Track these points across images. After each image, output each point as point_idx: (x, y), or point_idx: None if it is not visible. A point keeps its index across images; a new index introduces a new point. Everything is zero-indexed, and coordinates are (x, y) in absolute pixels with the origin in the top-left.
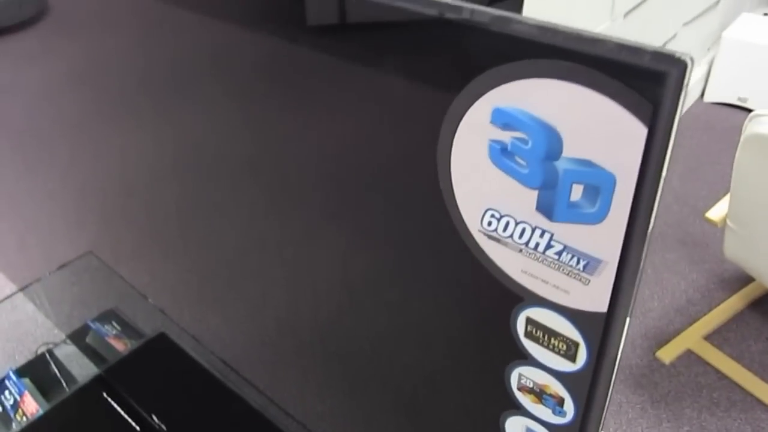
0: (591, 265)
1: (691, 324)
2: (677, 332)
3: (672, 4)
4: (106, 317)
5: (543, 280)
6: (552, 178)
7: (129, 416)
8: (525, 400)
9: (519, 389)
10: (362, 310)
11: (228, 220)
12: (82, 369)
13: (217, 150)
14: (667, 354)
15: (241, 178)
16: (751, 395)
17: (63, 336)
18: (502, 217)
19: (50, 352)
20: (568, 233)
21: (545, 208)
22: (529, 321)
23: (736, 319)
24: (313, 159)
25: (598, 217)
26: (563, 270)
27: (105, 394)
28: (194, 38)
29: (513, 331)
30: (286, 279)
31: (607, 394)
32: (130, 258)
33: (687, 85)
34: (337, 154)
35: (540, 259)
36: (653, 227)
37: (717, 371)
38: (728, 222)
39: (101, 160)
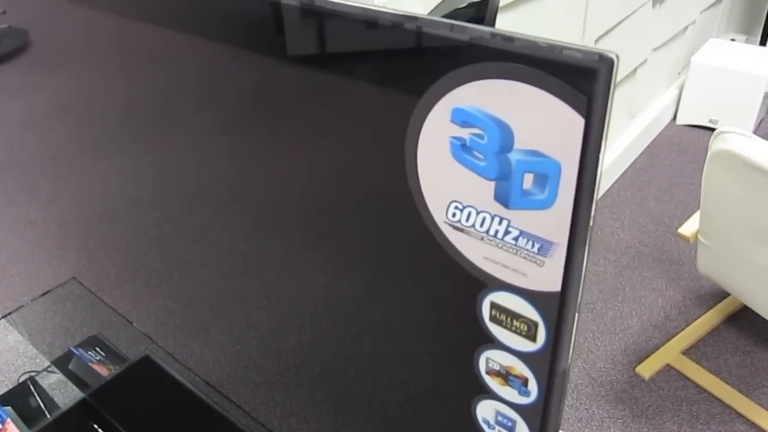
0: (544, 247)
1: (669, 339)
2: (656, 348)
3: (642, 30)
4: (89, 343)
5: (503, 265)
6: (506, 169)
7: None
8: (493, 384)
9: (487, 373)
10: (338, 307)
11: (209, 246)
12: (65, 397)
13: (197, 177)
14: (647, 369)
15: (221, 203)
16: (730, 408)
17: (45, 365)
18: (464, 208)
19: (32, 380)
20: (523, 219)
21: (502, 197)
22: (493, 305)
23: (713, 334)
24: (290, 176)
25: (548, 203)
26: (520, 254)
27: (89, 419)
28: (174, 69)
29: (479, 317)
30: (267, 298)
31: (566, 373)
32: (114, 284)
33: (615, 78)
34: (313, 166)
35: (500, 245)
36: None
37: (696, 385)
38: (700, 237)
39: (83, 189)
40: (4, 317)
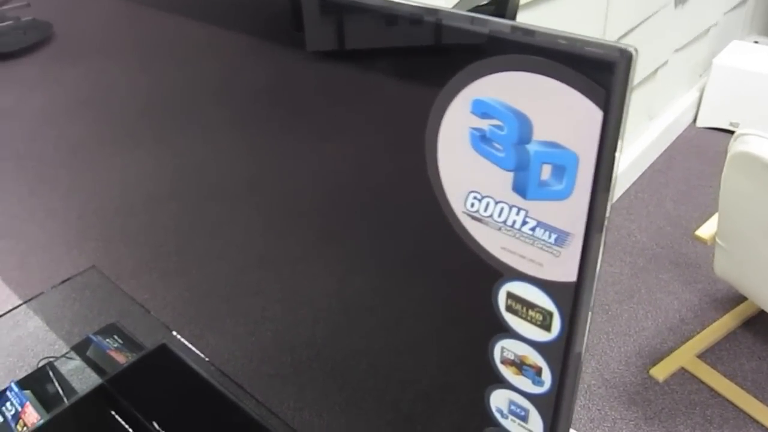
0: (560, 238)
1: (684, 342)
2: (671, 350)
3: (663, 31)
4: (107, 331)
5: (520, 255)
6: (524, 160)
7: (129, 426)
8: (507, 373)
9: (502, 362)
10: (354, 298)
11: (226, 238)
12: (83, 383)
13: (215, 170)
14: (661, 372)
15: (239, 196)
16: (744, 413)
17: (64, 351)
18: (483, 198)
19: (51, 365)
20: (540, 210)
21: (520, 188)
22: (509, 295)
23: (728, 338)
24: (309, 168)
25: (565, 194)
26: (537, 244)
27: (106, 405)
28: (195, 64)
29: (495, 306)
30: (283, 292)
31: (579, 363)
32: (132, 273)
33: (633, 72)
34: (333, 157)
35: (517, 235)
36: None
37: (710, 389)
38: (717, 240)
39: (103, 181)
40: (24, 303)
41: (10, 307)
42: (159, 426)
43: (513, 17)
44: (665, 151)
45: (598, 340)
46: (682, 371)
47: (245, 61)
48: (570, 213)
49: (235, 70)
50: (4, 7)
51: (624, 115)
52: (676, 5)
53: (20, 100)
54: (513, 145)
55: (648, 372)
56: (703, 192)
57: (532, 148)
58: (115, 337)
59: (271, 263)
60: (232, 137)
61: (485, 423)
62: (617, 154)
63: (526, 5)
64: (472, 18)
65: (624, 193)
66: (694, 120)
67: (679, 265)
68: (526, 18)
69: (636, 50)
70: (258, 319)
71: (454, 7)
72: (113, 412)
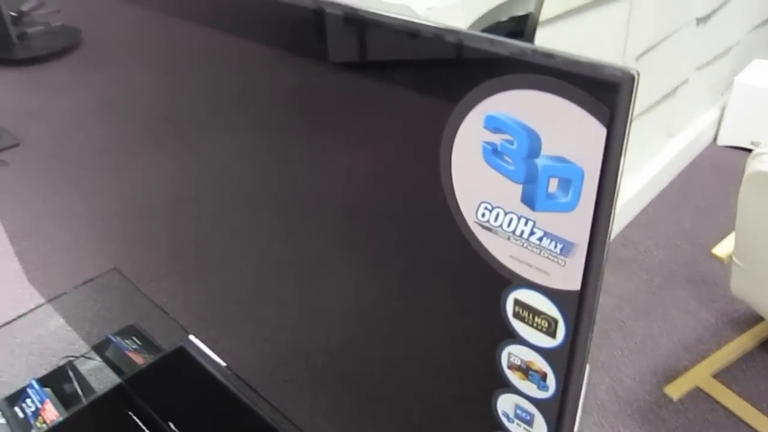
0: (566, 248)
1: (700, 361)
2: (686, 369)
3: (684, 49)
4: (126, 332)
5: (527, 264)
6: (533, 173)
7: (145, 426)
8: (514, 378)
9: (509, 367)
10: (368, 304)
11: (245, 244)
12: (101, 383)
13: (235, 177)
14: (676, 390)
15: (258, 203)
16: None
17: (83, 351)
18: (493, 208)
19: (71, 364)
20: (547, 221)
21: (528, 200)
22: (517, 302)
23: (745, 358)
24: (328, 177)
25: (571, 206)
26: (544, 254)
27: (123, 404)
28: (218, 72)
29: (503, 313)
30: (300, 299)
31: (583, 369)
32: (152, 276)
33: (636, 93)
34: (351, 168)
35: (525, 245)
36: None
37: (725, 409)
38: (734, 259)
39: (127, 184)
40: (48, 302)
41: (33, 306)
42: (175, 426)
43: (532, 34)
44: (685, 169)
45: (613, 357)
46: (697, 390)
47: (267, 71)
48: (575, 224)
49: (257, 79)
50: (36, 13)
51: (627, 132)
52: (698, 23)
53: (48, 102)
54: (522, 159)
55: (662, 390)
56: (723, 211)
57: (540, 161)
58: (134, 338)
59: (288, 270)
60: (252, 145)
61: (493, 426)
62: (621, 170)
63: (546, 22)
64: (489, 39)
65: (642, 211)
66: (715, 138)
67: (697, 283)
68: (546, 35)
69: (638, 72)
70: (274, 325)
71: (476, 22)
72: (130, 412)
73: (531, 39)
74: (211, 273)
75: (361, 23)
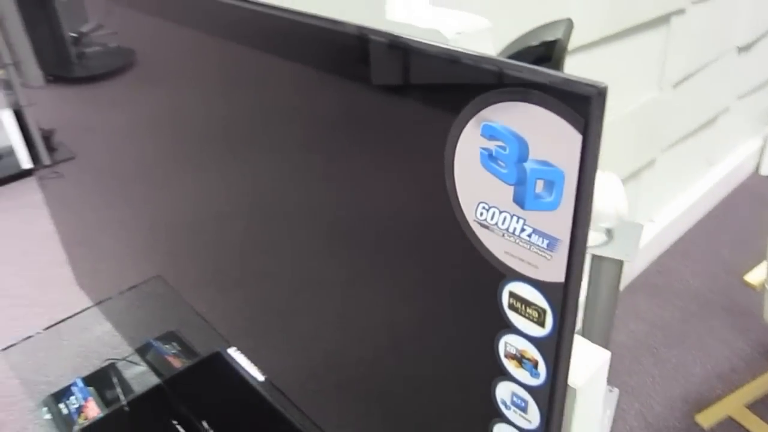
0: (551, 243)
1: (733, 391)
2: (718, 398)
3: (725, 77)
4: (167, 338)
5: (520, 259)
6: (523, 175)
7: (180, 425)
8: (510, 366)
9: (505, 356)
10: (385, 299)
11: (286, 259)
12: (141, 386)
13: (278, 194)
14: (707, 419)
15: (299, 221)
16: None
17: (125, 354)
18: (490, 208)
19: (113, 366)
20: (535, 219)
21: (519, 200)
22: (511, 294)
23: None
24: (356, 185)
25: (555, 205)
26: (533, 249)
27: (161, 405)
28: (264, 93)
29: (499, 305)
30: (333, 313)
31: (569, 357)
32: (194, 285)
33: (605, 104)
34: (372, 176)
35: (517, 241)
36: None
37: None
38: (767, 286)
39: (173, 197)
40: (95, 305)
41: (81, 309)
42: (208, 425)
43: (559, 59)
44: (725, 198)
45: (644, 383)
46: (729, 420)
47: (305, 91)
48: (559, 221)
49: (293, 98)
50: (94, 34)
51: (599, 139)
52: (739, 52)
53: (102, 119)
54: (514, 163)
55: (693, 418)
56: (762, 241)
57: (528, 165)
58: (174, 343)
59: (324, 286)
60: (295, 166)
61: (492, 414)
62: (597, 173)
63: (582, 48)
64: (486, 59)
65: (680, 238)
66: (757, 168)
67: (732, 312)
68: (580, 60)
69: (606, 87)
70: (309, 338)
71: (507, 46)
72: (167, 413)
73: (558, 63)
74: (252, 285)
75: (380, 46)
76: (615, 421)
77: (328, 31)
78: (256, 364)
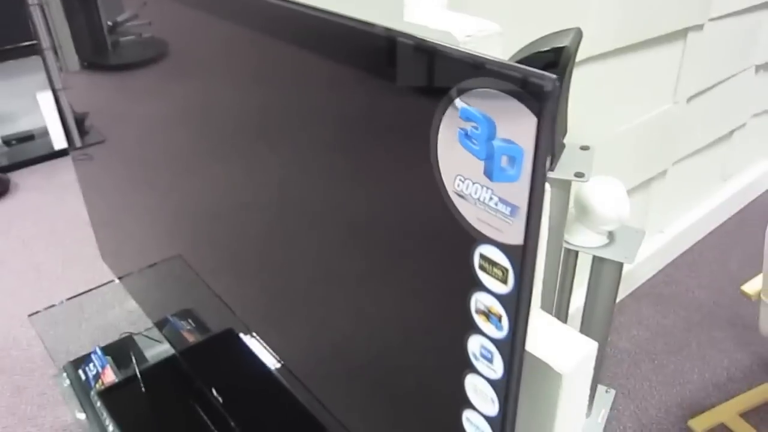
0: (513, 210)
1: (728, 400)
2: (713, 406)
3: (741, 94)
4: (183, 315)
5: (488, 224)
6: (491, 151)
7: (191, 394)
8: (480, 321)
9: (476, 312)
10: (375, 259)
11: (300, 250)
12: (155, 359)
13: (296, 187)
14: (700, 424)
15: (315, 215)
16: None
17: (143, 328)
18: (465, 180)
19: (131, 338)
20: (501, 189)
21: (488, 172)
22: (481, 256)
23: None
24: (358, 168)
25: (516, 177)
26: (498, 215)
27: (173, 374)
28: (290, 91)
29: (472, 266)
30: (343, 304)
31: (528, 312)
32: (212, 267)
33: (558, 92)
34: (372, 155)
35: (486, 209)
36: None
37: None
38: (763, 297)
39: (197, 184)
40: (120, 279)
41: (103, 283)
42: (217, 393)
43: (566, 65)
44: (737, 213)
45: (641, 386)
46: (722, 427)
47: (314, 81)
48: (519, 192)
49: (313, 91)
50: (129, 24)
51: (553, 122)
52: (756, 71)
53: (132, 105)
54: (484, 141)
55: (686, 423)
56: None
57: (496, 143)
58: (189, 320)
59: (335, 277)
60: (313, 161)
61: (464, 366)
62: (548, 149)
63: (596, 57)
64: (465, 53)
65: (688, 250)
66: None
67: (735, 325)
68: (594, 70)
69: (558, 78)
70: (318, 326)
71: (519, 51)
72: (180, 383)
73: (564, 69)
74: (267, 272)
75: (380, 40)
76: (609, 420)
77: (341, 26)
78: (265, 342)
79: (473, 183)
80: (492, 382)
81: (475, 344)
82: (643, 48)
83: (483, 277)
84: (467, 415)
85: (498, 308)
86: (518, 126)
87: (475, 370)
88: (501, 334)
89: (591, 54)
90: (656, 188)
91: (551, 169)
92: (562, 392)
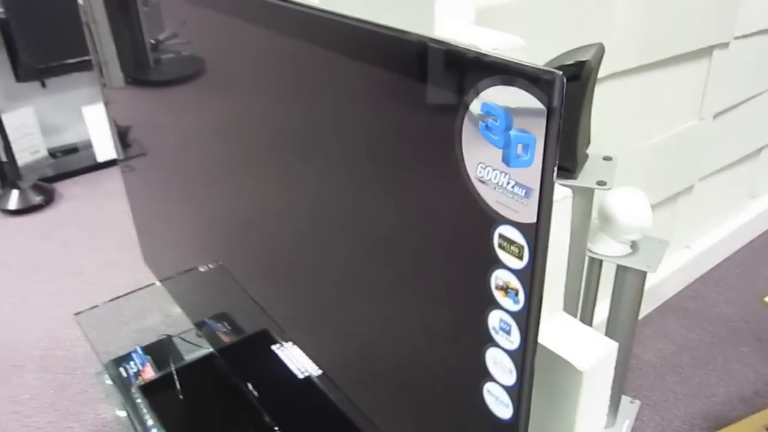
0: (527, 192)
1: (754, 413)
2: (739, 419)
3: None
4: (220, 317)
5: (506, 206)
6: (508, 141)
7: (227, 391)
8: (499, 296)
9: (495, 288)
10: (404, 241)
11: (333, 260)
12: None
13: (329, 198)
14: None
15: (348, 225)
16: None
17: (181, 330)
18: (486, 167)
19: (169, 339)
20: (516, 174)
21: (506, 160)
22: (500, 236)
23: None
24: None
25: (529, 163)
26: (515, 198)
27: (208, 373)
28: (322, 107)
29: (492, 245)
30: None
31: (542, 286)
32: (247, 274)
33: (564, 86)
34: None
35: (504, 192)
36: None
37: None
38: None
39: (234, 194)
40: (161, 281)
41: (143, 286)
42: (252, 386)
43: (587, 78)
44: (766, 231)
45: (666, 399)
46: None
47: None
48: (532, 175)
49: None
50: (169, 42)
51: (560, 111)
52: None
53: (172, 120)
54: (502, 132)
55: None
56: None
57: (512, 133)
58: (225, 323)
59: (370, 261)
60: (345, 175)
61: (486, 340)
62: (558, 137)
63: (621, 73)
64: (486, 54)
65: (715, 266)
66: None
67: (763, 341)
68: (619, 86)
69: (563, 74)
70: (347, 332)
71: (547, 63)
72: (216, 379)
73: (586, 82)
74: (301, 279)
75: (412, 45)
76: (634, 431)
77: (378, 35)
78: (298, 344)
79: (493, 169)
80: (510, 353)
81: (495, 318)
82: (668, 65)
83: (502, 255)
84: (488, 387)
85: (515, 283)
86: (531, 116)
87: (495, 344)
88: (518, 306)
89: (615, 70)
90: (683, 203)
91: (574, 177)
92: (583, 390)
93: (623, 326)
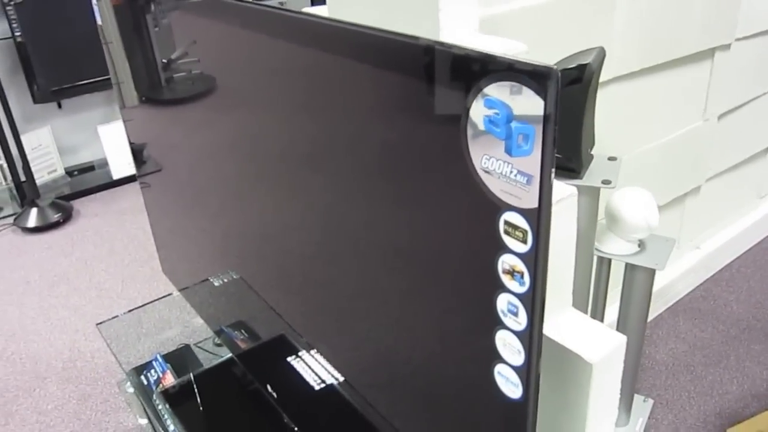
0: (529, 180)
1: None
2: (752, 415)
3: None
4: (237, 325)
5: (510, 194)
6: (510, 132)
7: (246, 395)
8: (506, 279)
9: (502, 272)
10: (416, 230)
11: (346, 270)
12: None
13: (343, 198)
14: None
15: (362, 220)
16: None
17: (199, 339)
18: (490, 158)
19: (188, 348)
20: (519, 163)
21: (508, 150)
22: (505, 222)
23: None
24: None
25: (530, 152)
26: (518, 185)
27: (227, 379)
28: (333, 111)
29: (498, 231)
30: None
31: (545, 268)
32: (263, 285)
33: (559, 80)
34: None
35: (508, 180)
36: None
37: None
38: None
39: (248, 208)
40: (181, 290)
41: (160, 296)
42: (271, 389)
43: (589, 81)
44: None
45: (679, 397)
46: None
47: (360, 89)
48: (533, 163)
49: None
50: (180, 62)
51: (557, 104)
52: None
53: (185, 137)
54: (504, 124)
55: (725, 431)
56: None
57: (513, 125)
58: (242, 330)
59: (379, 279)
60: (353, 187)
61: (495, 323)
62: (554, 127)
63: (623, 77)
64: (488, 54)
65: (725, 266)
66: None
67: None
68: (623, 90)
69: (558, 68)
70: (362, 339)
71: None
72: (236, 385)
73: (588, 84)
74: (316, 289)
75: (420, 49)
76: (647, 429)
77: (388, 40)
78: (316, 348)
79: (497, 160)
80: (518, 334)
81: (503, 302)
82: (671, 67)
83: (507, 240)
84: (498, 369)
85: (521, 266)
86: (529, 108)
87: (504, 326)
88: (523, 288)
89: (617, 74)
90: (691, 204)
91: (579, 177)
92: (593, 382)
93: (633, 324)
